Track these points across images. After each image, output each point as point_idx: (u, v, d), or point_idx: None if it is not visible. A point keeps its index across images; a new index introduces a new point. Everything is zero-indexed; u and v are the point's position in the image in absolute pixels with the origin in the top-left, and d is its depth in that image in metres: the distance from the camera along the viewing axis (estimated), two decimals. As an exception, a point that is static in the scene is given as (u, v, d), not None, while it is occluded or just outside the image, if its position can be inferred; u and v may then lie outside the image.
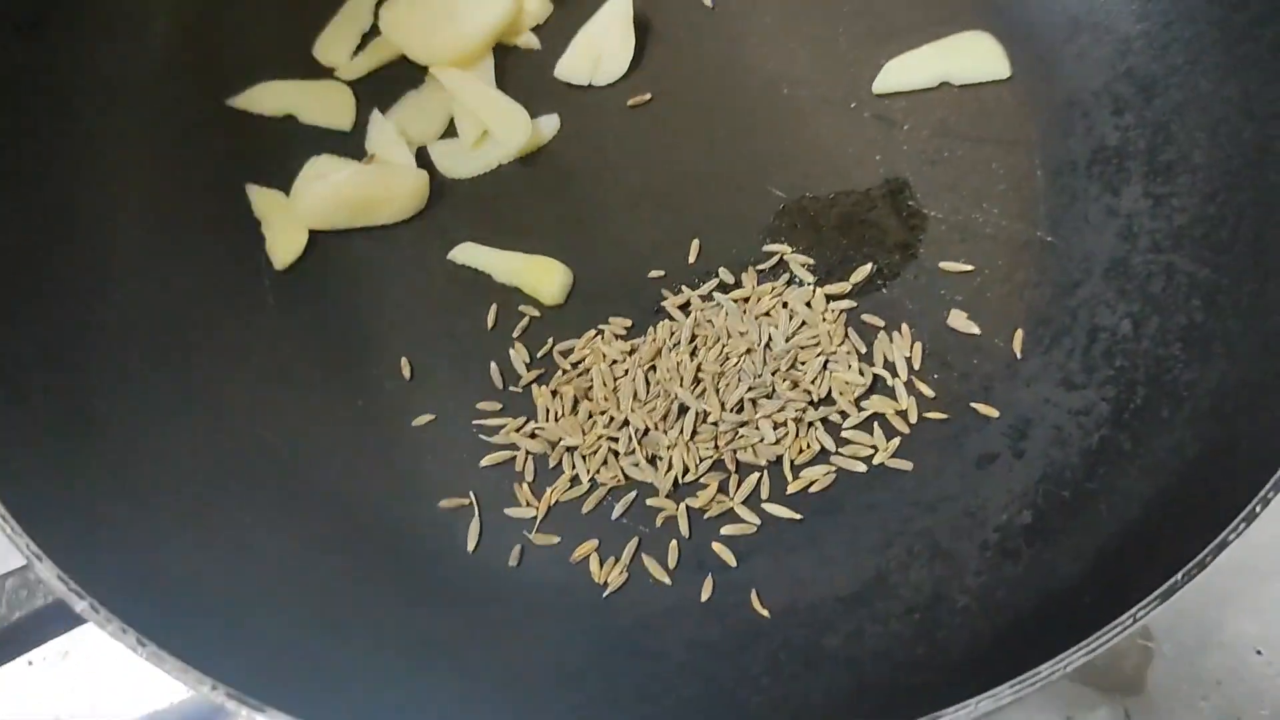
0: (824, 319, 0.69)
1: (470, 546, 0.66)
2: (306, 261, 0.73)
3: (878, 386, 0.68)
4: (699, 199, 0.74)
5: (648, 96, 0.77)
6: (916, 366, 0.68)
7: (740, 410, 0.67)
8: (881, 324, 0.70)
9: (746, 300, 0.71)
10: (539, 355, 0.70)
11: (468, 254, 0.72)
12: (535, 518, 0.66)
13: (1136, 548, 0.58)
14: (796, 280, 0.71)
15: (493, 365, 0.70)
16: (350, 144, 0.76)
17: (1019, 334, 0.69)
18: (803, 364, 0.68)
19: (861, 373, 0.68)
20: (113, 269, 0.70)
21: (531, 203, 0.75)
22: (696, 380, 0.68)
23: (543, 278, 0.71)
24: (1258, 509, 0.51)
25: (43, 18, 0.70)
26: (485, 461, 0.68)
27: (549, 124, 0.76)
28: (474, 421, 0.69)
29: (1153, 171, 0.71)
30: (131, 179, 0.73)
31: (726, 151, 0.75)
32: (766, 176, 0.74)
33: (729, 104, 0.77)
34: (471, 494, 0.67)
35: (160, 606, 0.55)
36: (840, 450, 0.66)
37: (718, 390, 0.67)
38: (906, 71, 0.76)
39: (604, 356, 0.69)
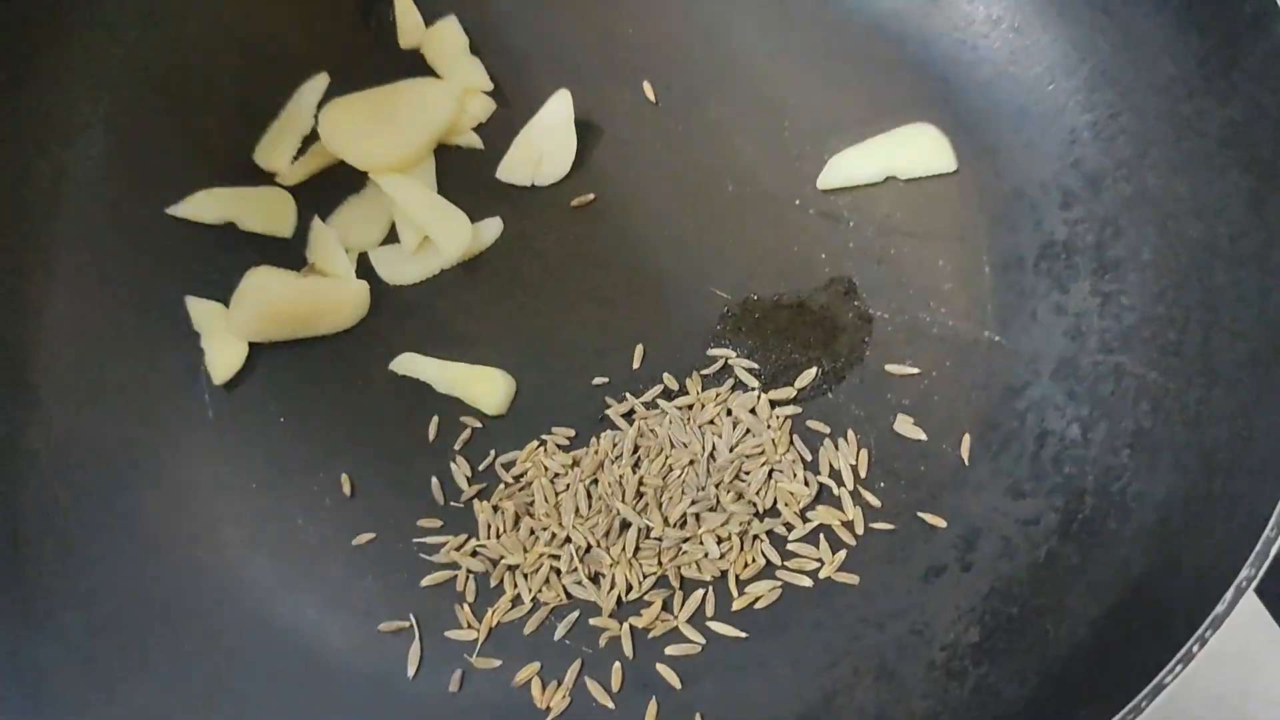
0: (769, 426, 0.68)
1: (411, 672, 0.65)
2: (246, 374, 0.72)
3: (823, 496, 0.67)
4: (643, 302, 0.73)
5: (590, 197, 0.76)
6: (863, 475, 0.67)
7: (684, 525, 0.66)
8: (827, 430, 0.69)
9: (690, 408, 0.70)
10: (480, 468, 0.70)
11: (408, 365, 0.72)
12: (477, 640, 0.65)
13: (1080, 675, 0.57)
14: (741, 386, 0.70)
15: (434, 480, 0.69)
16: (291, 250, 0.75)
17: (966, 439, 0.68)
18: (747, 474, 0.67)
19: (807, 482, 0.67)
20: (43, 390, 0.70)
21: (474, 308, 0.74)
22: (639, 494, 0.67)
23: (485, 388, 0.70)
24: (1194, 649, 0.49)
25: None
26: (426, 581, 0.67)
27: (491, 228, 0.75)
28: (415, 539, 0.68)
29: (1101, 268, 0.70)
30: (65, 293, 0.73)
31: (671, 252, 0.74)
32: (711, 278, 0.73)
33: (673, 203, 0.76)
34: (412, 616, 0.66)
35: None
36: (786, 564, 0.66)
37: (660, 504, 0.66)
38: (851, 167, 0.75)
39: (546, 469, 0.68)
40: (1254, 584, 0.51)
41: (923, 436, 0.68)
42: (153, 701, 0.64)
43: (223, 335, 0.72)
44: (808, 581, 0.65)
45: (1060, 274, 0.71)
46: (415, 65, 0.80)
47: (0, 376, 0.69)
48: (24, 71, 0.73)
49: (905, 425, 0.68)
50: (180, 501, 0.69)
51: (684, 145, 0.77)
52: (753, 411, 0.69)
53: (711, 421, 0.69)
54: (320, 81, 0.79)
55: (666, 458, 0.68)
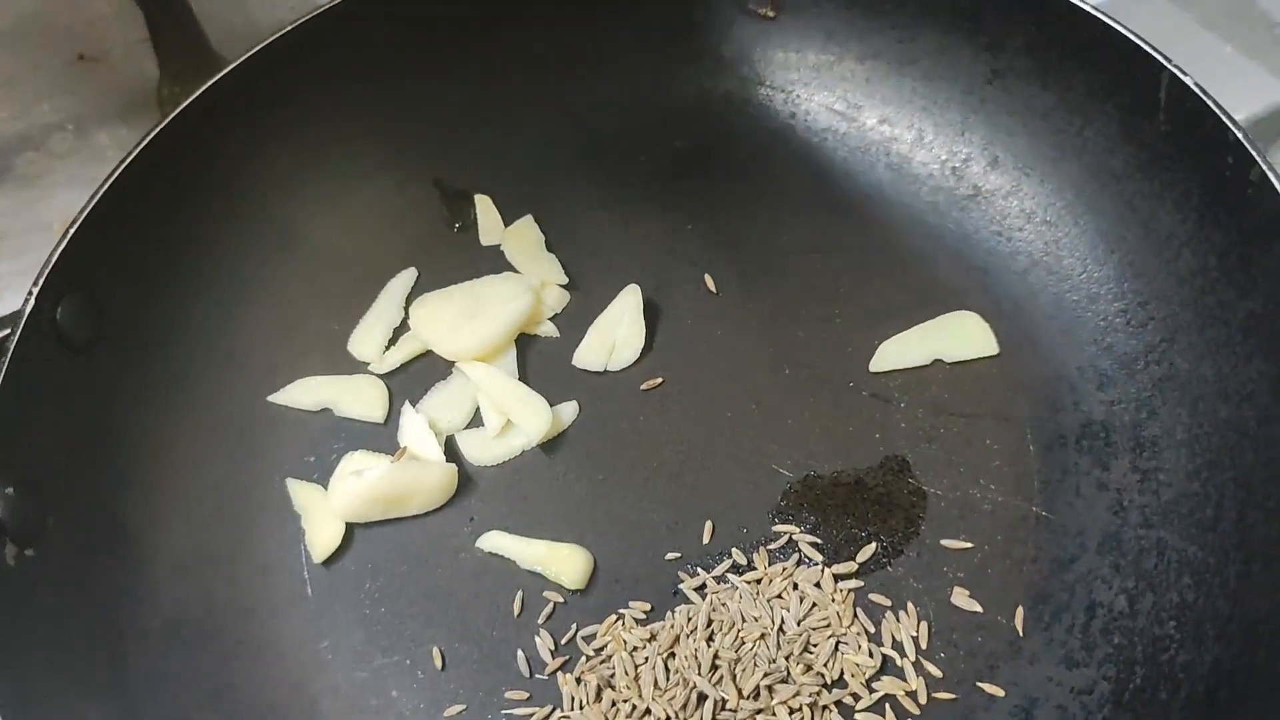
0: (833, 599, 0.73)
1: (501, 840, 0.68)
2: (343, 553, 0.77)
3: (887, 667, 0.71)
4: (710, 479, 0.79)
5: (659, 380, 0.82)
6: (924, 646, 0.71)
7: (757, 696, 0.70)
8: (888, 603, 0.73)
9: (759, 582, 0.74)
10: (563, 642, 0.74)
11: (494, 542, 0.77)
12: (564, 809, 0.69)
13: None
14: (806, 560, 0.75)
15: (519, 653, 0.74)
16: (385, 435, 0.82)
17: (1019, 611, 0.72)
18: (815, 646, 0.72)
19: (871, 654, 0.71)
20: (158, 574, 0.75)
21: (554, 487, 0.79)
22: (714, 667, 0.71)
23: (565, 564, 0.75)
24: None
25: (94, 340, 0.76)
26: (515, 752, 0.71)
27: (568, 411, 0.81)
28: (503, 711, 0.72)
29: (1138, 446, 0.75)
30: (174, 482, 0.79)
31: (734, 432, 0.80)
32: (772, 456, 0.79)
33: (735, 385, 0.82)
34: (502, 786, 0.70)
35: None
36: (855, 734, 0.69)
37: (734, 676, 0.71)
38: (900, 351, 0.81)
39: (625, 643, 0.73)
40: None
41: (978, 608, 0.72)
42: None
43: (322, 515, 0.78)
44: (875, 751, 0.68)
45: (1100, 452, 0.76)
46: (496, 262, 0.87)
47: (117, 562, 0.74)
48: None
49: (961, 598, 0.72)
50: (283, 675, 0.74)
51: (742, 332, 0.84)
52: (818, 585, 0.73)
53: (779, 595, 0.73)
54: (409, 276, 0.87)
55: (739, 631, 0.72)
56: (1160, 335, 0.77)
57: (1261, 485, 0.68)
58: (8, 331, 0.70)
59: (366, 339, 0.85)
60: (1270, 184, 0.69)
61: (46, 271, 0.73)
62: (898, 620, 0.72)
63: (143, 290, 0.80)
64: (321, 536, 0.78)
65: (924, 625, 0.72)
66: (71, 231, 0.75)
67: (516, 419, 0.80)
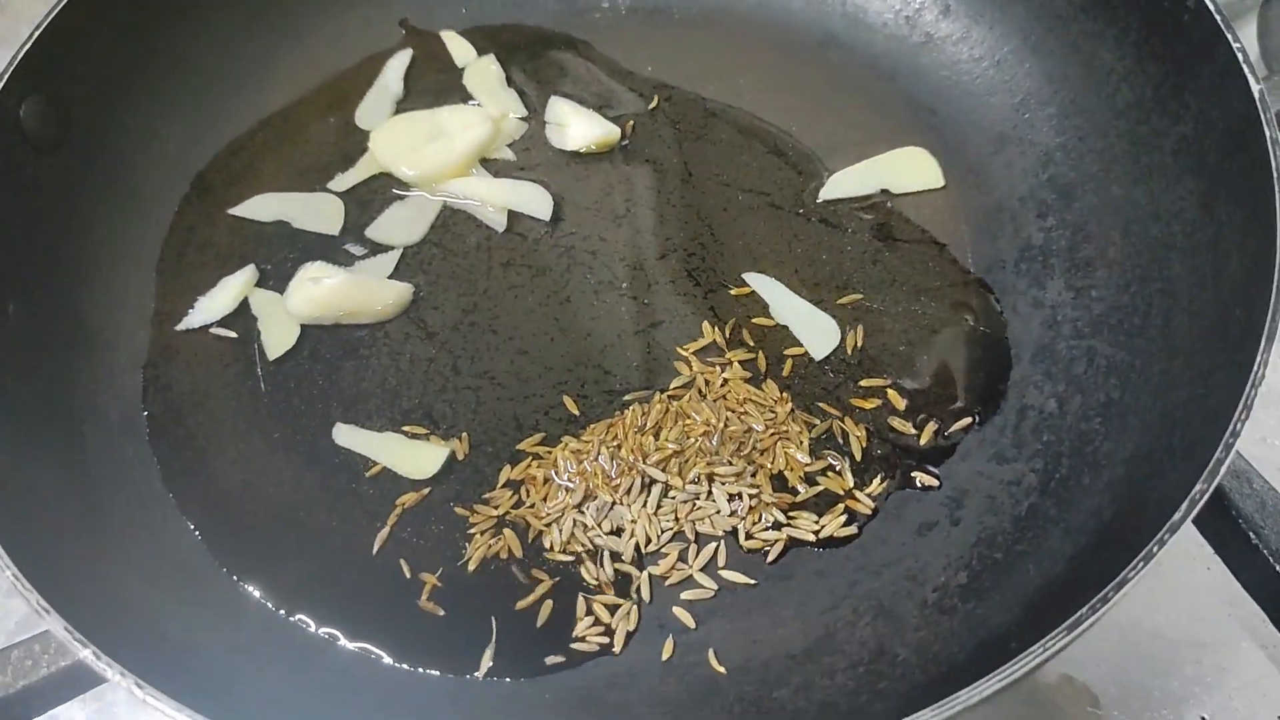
0: (775, 404, 0.75)
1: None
2: (296, 352, 0.79)
3: (827, 465, 0.73)
4: (661, 296, 0.81)
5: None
6: (862, 445, 0.74)
7: (697, 483, 0.72)
8: (831, 410, 0.75)
9: (706, 385, 0.76)
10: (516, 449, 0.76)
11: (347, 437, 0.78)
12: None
13: (1059, 600, 0.63)
14: (749, 369, 0.77)
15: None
16: (336, 248, 0.84)
17: (952, 418, 0.74)
18: (758, 444, 0.74)
19: (811, 451, 0.73)
20: (117, 367, 0.77)
21: (503, 296, 0.81)
22: (660, 458, 0.73)
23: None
24: (1154, 549, 0.56)
25: (58, 143, 0.78)
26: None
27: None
28: (451, 504, 0.74)
29: (1074, 267, 0.78)
30: (136, 284, 0.81)
31: (686, 252, 0.82)
32: (721, 275, 0.81)
33: (687, 210, 0.84)
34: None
35: (154, 655, 0.59)
36: (792, 521, 0.71)
37: (679, 467, 0.73)
38: (849, 181, 0.84)
39: (569, 445, 0.75)
40: (1205, 498, 0.57)
41: (913, 415, 0.75)
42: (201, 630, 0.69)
43: (277, 318, 0.79)
44: (811, 536, 0.71)
45: (1038, 273, 0.79)
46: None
47: (75, 355, 0.76)
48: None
49: (897, 402, 0.75)
50: (236, 463, 0.75)
51: (697, 161, 0.86)
52: (761, 388, 0.76)
53: (724, 397, 0.76)
54: (406, 56, 0.91)
55: (684, 427, 0.74)
56: (1098, 165, 0.80)
57: (1186, 291, 0.71)
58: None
59: (371, 109, 0.89)
60: (1205, 6, 0.72)
61: (10, 70, 0.74)
62: (843, 422, 0.75)
63: (108, 101, 0.82)
64: (276, 337, 0.79)
65: (862, 428, 0.74)
66: (37, 34, 0.76)
67: (522, 206, 0.83)
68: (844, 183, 0.84)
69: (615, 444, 0.74)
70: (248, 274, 0.81)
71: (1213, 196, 0.71)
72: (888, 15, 0.91)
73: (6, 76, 0.75)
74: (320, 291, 0.79)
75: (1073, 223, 0.80)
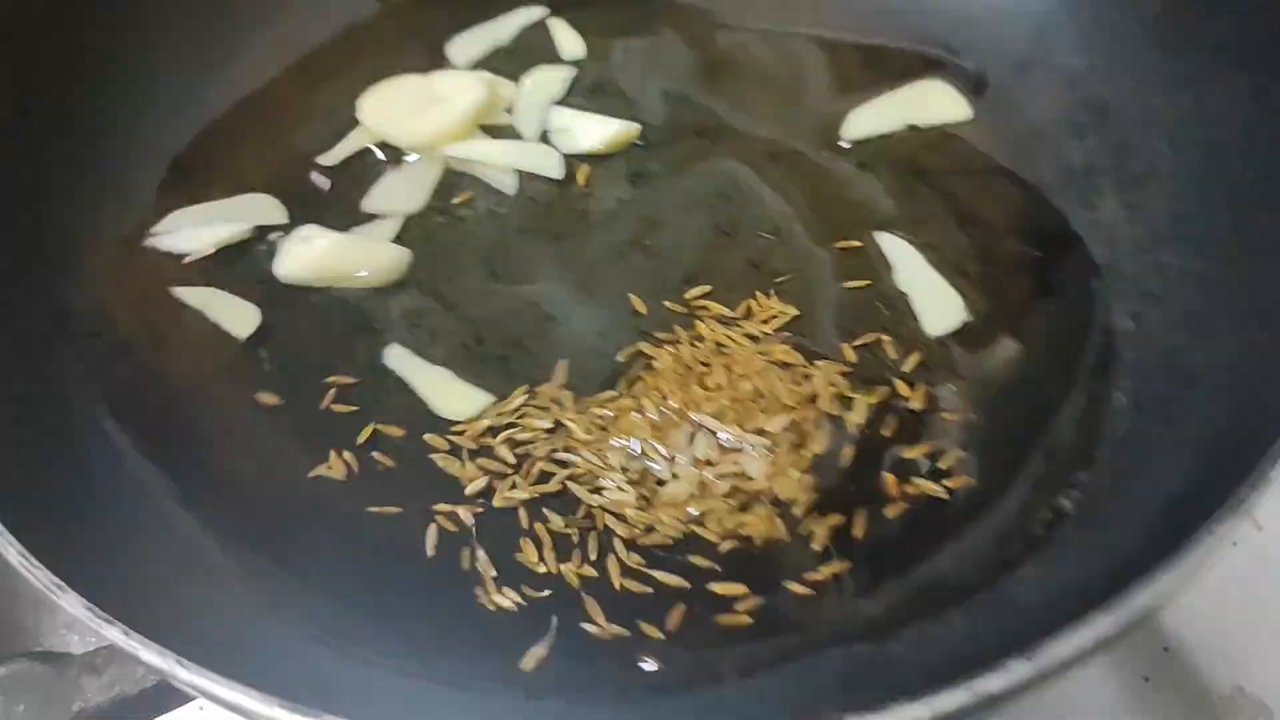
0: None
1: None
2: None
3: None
4: (688, 247, 0.75)
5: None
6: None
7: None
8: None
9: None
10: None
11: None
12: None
13: (1180, 513, 0.58)
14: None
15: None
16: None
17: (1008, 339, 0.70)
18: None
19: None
20: (106, 358, 0.69)
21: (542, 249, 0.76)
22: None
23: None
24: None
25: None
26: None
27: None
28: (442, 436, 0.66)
29: (1123, 183, 0.74)
30: (115, 270, 0.73)
31: (710, 206, 0.77)
32: (751, 223, 0.75)
33: (704, 163, 0.79)
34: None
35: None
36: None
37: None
38: (872, 117, 0.79)
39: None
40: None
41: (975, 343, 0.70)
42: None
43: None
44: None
45: (1086, 194, 0.75)
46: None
47: (70, 352, 0.68)
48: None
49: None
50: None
51: (710, 114, 0.82)
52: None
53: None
54: (537, 10, 0.86)
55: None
56: (1131, 80, 0.76)
57: (1254, 186, 0.68)
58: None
59: (466, 46, 0.85)
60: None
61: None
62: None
63: (77, 82, 0.75)
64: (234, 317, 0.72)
65: (914, 355, 0.69)
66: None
67: (531, 165, 0.77)
68: (866, 119, 0.80)
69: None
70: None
71: (1266, 88, 0.68)
72: (888, -50, 0.87)
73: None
74: (311, 251, 0.73)
75: (1114, 140, 0.76)
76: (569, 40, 0.85)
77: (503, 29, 0.86)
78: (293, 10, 0.86)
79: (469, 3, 0.88)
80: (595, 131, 0.78)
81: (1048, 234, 0.74)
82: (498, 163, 0.78)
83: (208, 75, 0.82)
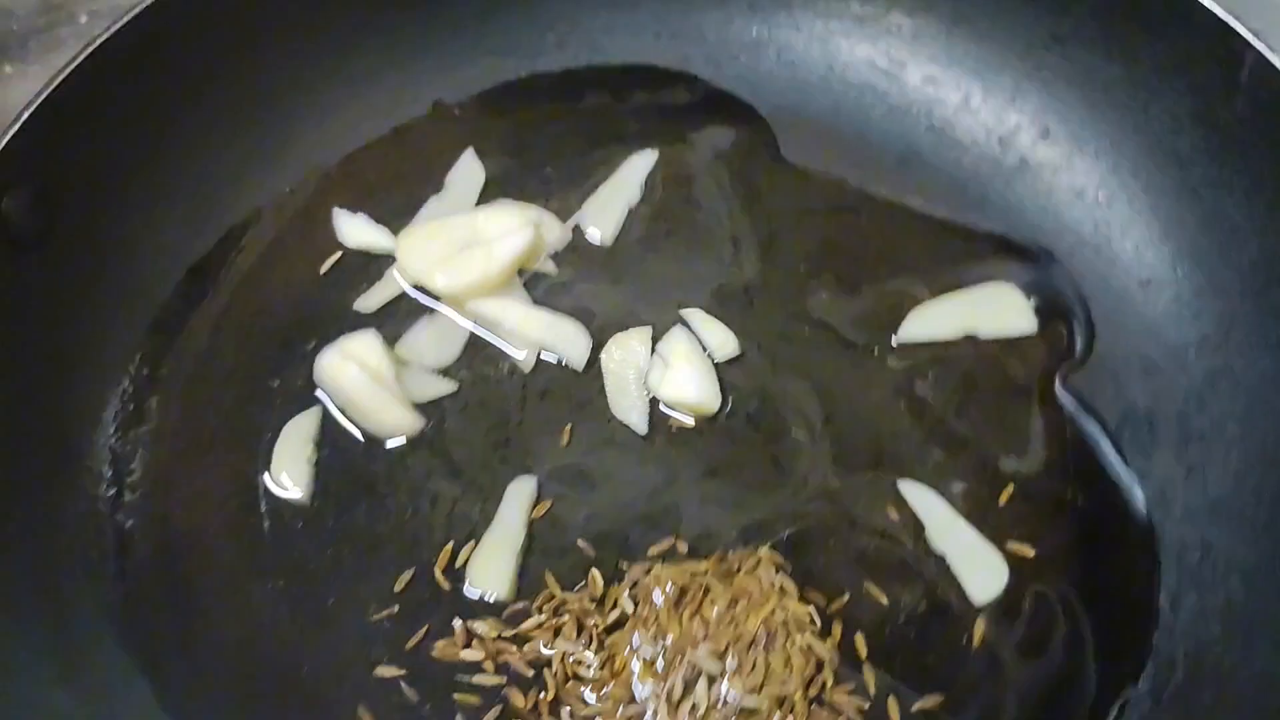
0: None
1: None
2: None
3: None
4: (714, 441, 0.72)
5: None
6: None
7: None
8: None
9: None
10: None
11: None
12: None
13: None
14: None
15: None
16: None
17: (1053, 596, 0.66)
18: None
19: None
20: (103, 499, 0.68)
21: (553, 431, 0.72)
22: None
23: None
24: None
25: (46, 237, 0.69)
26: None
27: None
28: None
29: (1185, 439, 0.70)
30: (123, 395, 0.72)
31: (746, 387, 0.74)
32: (786, 414, 0.72)
33: (748, 341, 0.75)
34: None
35: None
36: None
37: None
38: (931, 321, 0.75)
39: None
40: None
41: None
42: None
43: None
44: None
45: (1143, 441, 0.70)
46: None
47: (65, 490, 0.68)
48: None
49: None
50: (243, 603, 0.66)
51: (760, 290, 0.77)
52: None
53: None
54: (650, 158, 0.82)
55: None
56: (1215, 326, 0.71)
57: (1327, 482, 0.63)
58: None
59: (601, 214, 0.80)
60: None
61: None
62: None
63: (99, 191, 0.73)
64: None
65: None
66: (22, 119, 0.67)
67: (556, 347, 0.74)
68: (924, 322, 0.75)
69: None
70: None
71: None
72: (978, 133, 0.82)
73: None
74: (342, 373, 0.72)
75: (1185, 388, 0.71)
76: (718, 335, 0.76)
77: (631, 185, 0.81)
78: (338, 116, 0.83)
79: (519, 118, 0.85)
80: (683, 392, 0.72)
81: (1096, 482, 0.69)
82: (523, 335, 0.75)
83: (236, 179, 0.79)
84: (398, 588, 0.66)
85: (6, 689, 0.55)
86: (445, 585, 0.67)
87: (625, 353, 0.74)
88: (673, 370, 0.72)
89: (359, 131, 0.83)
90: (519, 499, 0.69)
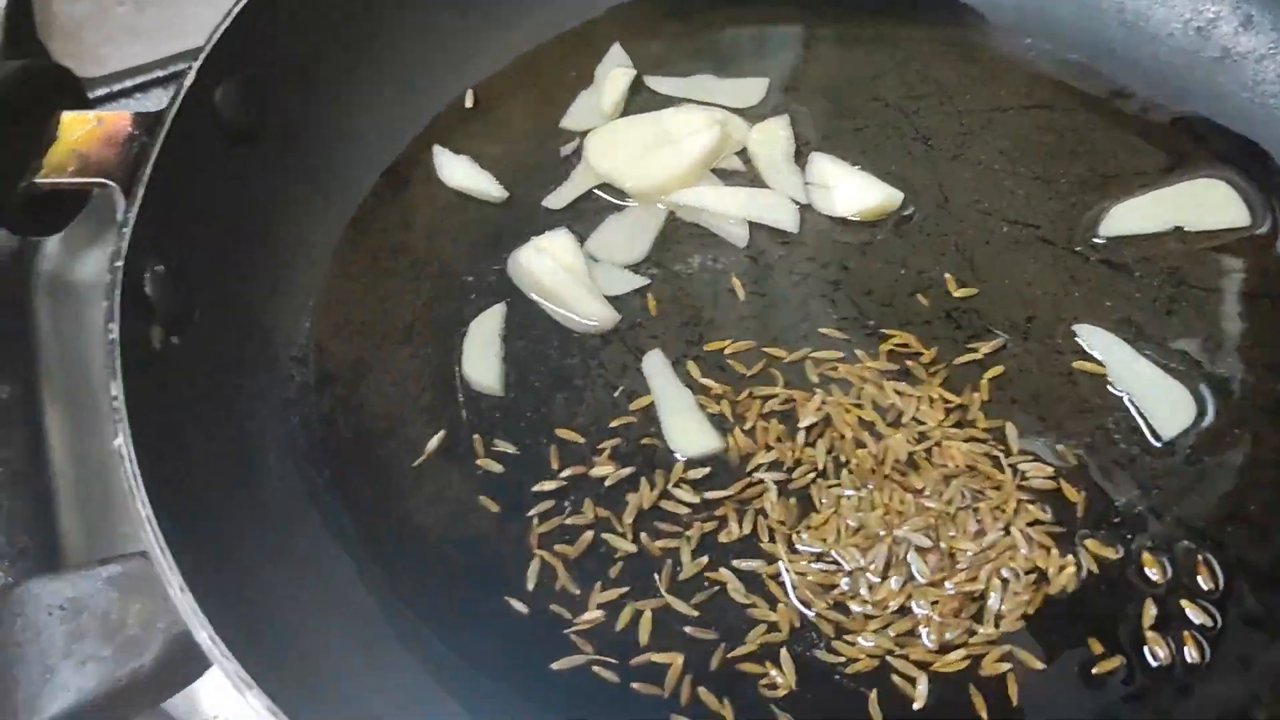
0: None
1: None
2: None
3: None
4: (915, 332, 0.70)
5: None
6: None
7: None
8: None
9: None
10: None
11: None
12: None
13: None
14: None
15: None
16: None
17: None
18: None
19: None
20: (305, 388, 0.70)
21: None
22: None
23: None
24: None
25: (253, 132, 0.70)
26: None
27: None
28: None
29: None
30: (327, 293, 0.73)
31: (941, 287, 0.72)
32: (986, 316, 0.70)
33: (942, 240, 0.74)
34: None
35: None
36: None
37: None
38: (1136, 215, 0.72)
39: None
40: None
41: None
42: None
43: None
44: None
45: (1372, 344, 0.67)
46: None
47: (270, 378, 0.69)
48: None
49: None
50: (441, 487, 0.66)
51: (953, 187, 0.75)
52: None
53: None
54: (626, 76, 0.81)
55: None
56: None
57: None
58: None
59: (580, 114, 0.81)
60: None
61: (208, 49, 0.66)
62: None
63: (307, 91, 0.74)
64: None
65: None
66: (234, 13, 0.68)
67: (764, 217, 0.74)
68: (1130, 217, 0.73)
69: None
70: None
71: None
72: (1174, 25, 0.79)
73: (204, 56, 0.66)
74: (538, 266, 0.72)
75: None
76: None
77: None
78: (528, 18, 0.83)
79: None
80: (857, 195, 0.74)
81: (1315, 377, 0.66)
82: (728, 213, 0.74)
83: (433, 82, 0.80)
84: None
85: (220, 565, 0.56)
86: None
87: (765, 134, 0.77)
88: (838, 186, 0.74)
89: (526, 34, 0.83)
90: (660, 368, 0.69)
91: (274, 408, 0.67)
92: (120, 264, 0.58)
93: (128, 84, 0.89)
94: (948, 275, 0.72)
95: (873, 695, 0.58)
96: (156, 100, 0.85)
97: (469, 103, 0.81)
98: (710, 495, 0.65)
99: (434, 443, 0.67)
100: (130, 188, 0.62)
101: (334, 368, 0.70)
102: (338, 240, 0.74)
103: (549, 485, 0.66)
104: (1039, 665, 0.58)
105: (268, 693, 0.48)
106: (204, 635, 0.49)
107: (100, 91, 0.87)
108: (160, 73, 0.87)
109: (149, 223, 0.61)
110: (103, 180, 0.63)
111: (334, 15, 0.74)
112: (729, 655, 0.60)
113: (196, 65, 0.66)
